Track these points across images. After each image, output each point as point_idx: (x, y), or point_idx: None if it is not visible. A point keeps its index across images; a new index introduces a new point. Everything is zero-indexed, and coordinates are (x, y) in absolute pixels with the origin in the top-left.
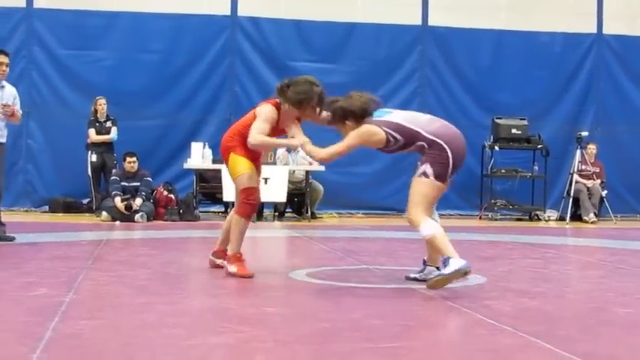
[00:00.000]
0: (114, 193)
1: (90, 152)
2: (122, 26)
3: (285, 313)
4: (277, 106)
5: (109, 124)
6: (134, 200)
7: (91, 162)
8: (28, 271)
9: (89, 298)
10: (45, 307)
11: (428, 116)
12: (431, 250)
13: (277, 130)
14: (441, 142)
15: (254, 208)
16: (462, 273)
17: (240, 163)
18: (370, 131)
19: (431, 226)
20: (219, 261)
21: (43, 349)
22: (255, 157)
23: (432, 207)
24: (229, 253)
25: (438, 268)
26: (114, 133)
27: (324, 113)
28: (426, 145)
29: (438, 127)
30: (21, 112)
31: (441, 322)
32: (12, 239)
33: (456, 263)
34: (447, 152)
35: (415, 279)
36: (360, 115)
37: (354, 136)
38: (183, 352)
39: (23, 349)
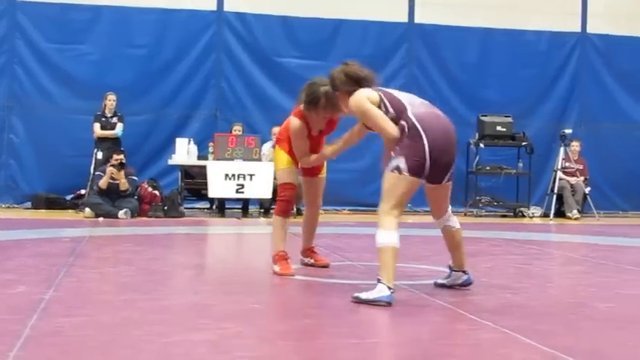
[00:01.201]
0: (97, 181)
1: (96, 150)
2: (107, 20)
3: (269, 310)
4: (301, 115)
5: (115, 119)
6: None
7: (97, 159)
8: (9, 268)
9: (70, 295)
10: (24, 304)
11: (423, 100)
12: (456, 254)
13: (315, 136)
14: (420, 129)
15: (288, 205)
16: (382, 304)
17: (281, 158)
18: (366, 92)
19: (388, 236)
20: (306, 259)
21: (20, 347)
22: None
23: (403, 204)
24: (273, 252)
25: (464, 272)
26: (118, 129)
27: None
28: (406, 128)
29: (424, 112)
30: None
31: (423, 317)
32: None
33: (382, 292)
34: (423, 143)
35: (443, 285)
36: (355, 81)
37: (354, 100)
38: (165, 349)
39: (1, 348)
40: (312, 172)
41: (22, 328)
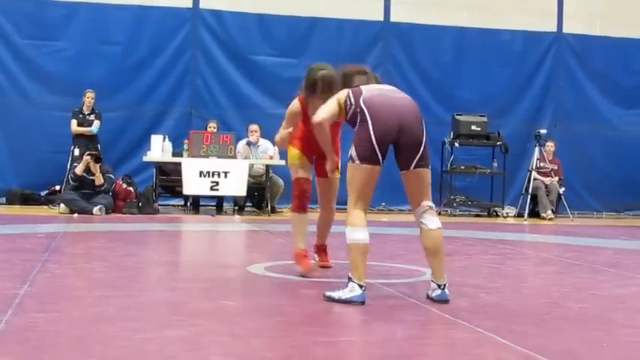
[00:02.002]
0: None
1: (73, 146)
2: (83, 17)
3: (242, 307)
4: (303, 100)
5: (92, 117)
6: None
7: (73, 156)
8: None
9: (44, 290)
10: None
11: (386, 86)
12: (430, 261)
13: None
14: (366, 113)
15: (301, 200)
16: (356, 304)
17: (292, 154)
18: (343, 91)
19: (354, 233)
20: (314, 256)
21: None
22: (311, 149)
23: (365, 196)
24: (293, 250)
25: (439, 286)
26: (95, 126)
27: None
28: (357, 116)
29: (374, 95)
30: None
31: (397, 316)
32: None
33: (354, 291)
34: (368, 127)
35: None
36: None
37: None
38: (138, 345)
39: None
40: (323, 172)
41: None
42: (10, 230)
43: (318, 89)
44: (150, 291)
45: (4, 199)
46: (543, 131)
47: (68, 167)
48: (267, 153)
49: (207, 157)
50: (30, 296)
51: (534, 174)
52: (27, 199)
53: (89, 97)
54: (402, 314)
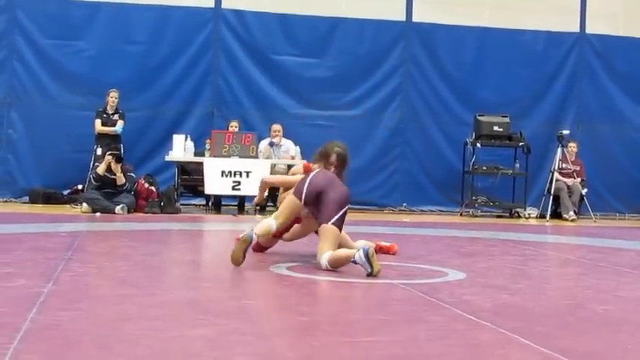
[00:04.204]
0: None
1: (96, 146)
2: (105, 17)
3: (265, 307)
4: (307, 169)
5: (116, 116)
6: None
7: (96, 155)
8: (7, 262)
9: (68, 289)
10: (23, 297)
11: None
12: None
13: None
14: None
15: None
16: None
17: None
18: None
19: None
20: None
21: (20, 340)
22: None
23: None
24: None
25: None
26: (119, 126)
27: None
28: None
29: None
30: None
31: (419, 316)
32: None
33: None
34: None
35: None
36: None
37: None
38: (161, 344)
39: (1, 340)
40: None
41: (21, 321)
42: (34, 229)
43: (331, 160)
44: (173, 290)
45: (27, 199)
46: (566, 132)
47: (90, 167)
48: (289, 153)
49: (229, 156)
50: (54, 295)
51: (556, 175)
52: (50, 199)
53: (113, 97)
54: (424, 315)
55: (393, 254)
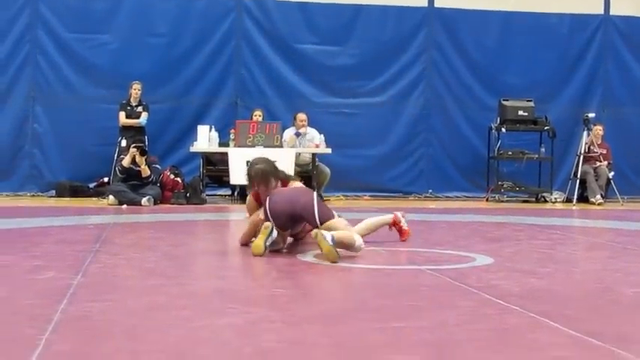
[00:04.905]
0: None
1: (121, 138)
2: (127, 9)
3: (294, 294)
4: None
5: (139, 108)
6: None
7: (121, 147)
8: (36, 255)
9: (97, 280)
10: (53, 289)
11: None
12: None
13: None
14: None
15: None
16: None
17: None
18: None
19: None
20: None
21: (52, 331)
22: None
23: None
24: None
25: None
26: (143, 118)
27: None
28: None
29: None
30: None
31: (448, 302)
32: None
33: None
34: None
35: None
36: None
37: None
38: (192, 333)
39: (32, 331)
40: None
41: (52, 312)
42: (61, 222)
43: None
44: (201, 280)
45: (53, 192)
46: (591, 115)
47: (115, 159)
48: (313, 141)
49: (254, 146)
50: (83, 286)
51: (582, 158)
52: (76, 192)
53: (136, 89)
54: (452, 300)
55: (403, 240)
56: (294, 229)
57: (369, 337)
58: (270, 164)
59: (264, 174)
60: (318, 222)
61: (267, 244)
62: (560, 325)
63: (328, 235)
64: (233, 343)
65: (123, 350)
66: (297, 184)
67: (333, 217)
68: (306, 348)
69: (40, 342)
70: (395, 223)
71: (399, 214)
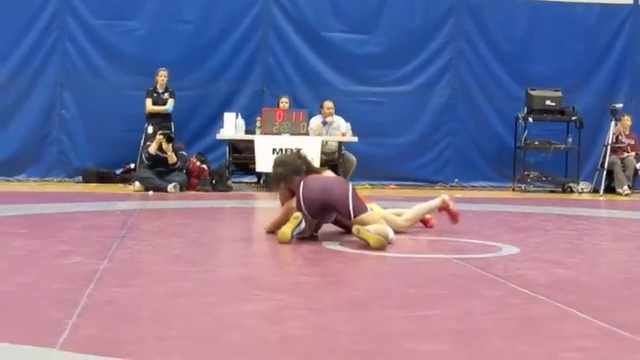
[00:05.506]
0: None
1: (147, 124)
2: None
3: (319, 282)
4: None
5: (166, 95)
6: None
7: (147, 134)
8: (63, 240)
9: (123, 266)
10: (80, 274)
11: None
12: None
13: None
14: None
15: None
16: None
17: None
18: None
19: None
20: None
21: (79, 315)
22: None
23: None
24: None
25: None
26: (169, 105)
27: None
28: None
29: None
30: None
31: (474, 291)
32: None
33: None
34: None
35: None
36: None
37: None
38: (217, 319)
39: (60, 315)
40: None
41: (79, 296)
42: (88, 208)
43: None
44: (226, 266)
45: (80, 178)
46: (619, 105)
47: (142, 145)
48: (339, 130)
49: (280, 134)
50: (110, 271)
51: (610, 149)
52: (103, 178)
53: (162, 76)
54: (479, 289)
55: (454, 222)
56: (324, 218)
57: (394, 325)
58: (290, 166)
59: (282, 178)
60: (352, 215)
61: (295, 233)
62: (587, 315)
63: (370, 228)
64: (258, 329)
65: (149, 335)
66: (331, 173)
67: (366, 210)
68: (331, 335)
69: (66, 326)
70: (443, 207)
71: (446, 197)
